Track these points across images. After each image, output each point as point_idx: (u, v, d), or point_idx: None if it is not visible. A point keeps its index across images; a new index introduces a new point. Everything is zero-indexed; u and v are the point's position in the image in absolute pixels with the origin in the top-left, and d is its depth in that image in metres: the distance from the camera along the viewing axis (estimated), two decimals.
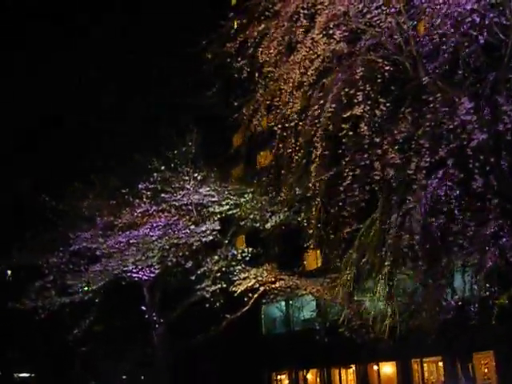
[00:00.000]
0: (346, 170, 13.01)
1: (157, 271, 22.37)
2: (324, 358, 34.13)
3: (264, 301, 26.18)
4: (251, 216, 21.60)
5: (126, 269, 22.17)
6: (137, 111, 26.58)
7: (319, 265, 29.30)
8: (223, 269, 21.12)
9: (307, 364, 36.35)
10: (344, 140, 12.90)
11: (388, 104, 12.15)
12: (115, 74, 26.88)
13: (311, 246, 16.14)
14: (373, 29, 13.16)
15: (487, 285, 15.83)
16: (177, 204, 21.73)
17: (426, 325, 22.29)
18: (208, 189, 21.22)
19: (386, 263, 16.51)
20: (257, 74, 14.49)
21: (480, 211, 13.83)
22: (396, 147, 11.78)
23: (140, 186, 21.87)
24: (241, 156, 23.10)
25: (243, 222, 21.72)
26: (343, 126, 12.64)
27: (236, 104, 15.38)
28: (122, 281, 23.45)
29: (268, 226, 21.31)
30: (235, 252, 21.53)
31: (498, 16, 12.39)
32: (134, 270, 22.72)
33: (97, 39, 29.00)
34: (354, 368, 35.32)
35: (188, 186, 21.30)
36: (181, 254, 21.58)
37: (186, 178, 21.18)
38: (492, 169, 11.49)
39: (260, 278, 22.97)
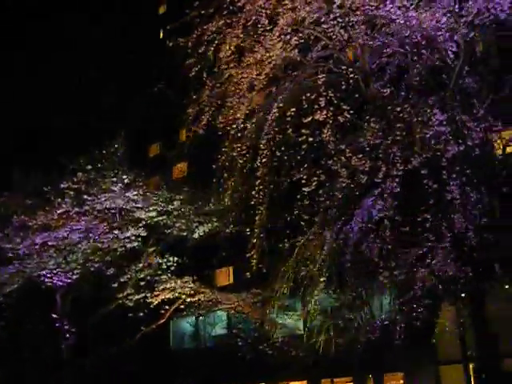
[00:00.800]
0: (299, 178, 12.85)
1: (74, 276, 21.18)
2: (234, 374, 33.74)
3: (181, 314, 25.54)
4: (177, 224, 21.03)
5: (41, 272, 20.87)
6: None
7: (231, 281, 29.14)
8: (148, 277, 20.38)
9: (216, 381, 35.75)
10: (303, 146, 12.73)
11: (351, 111, 12.14)
12: None
13: (253, 257, 15.65)
14: (327, 39, 13.21)
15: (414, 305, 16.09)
16: (100, 207, 20.77)
17: (346, 344, 22.58)
18: (135, 193, 20.42)
19: (322, 279, 16.52)
20: (205, 74, 14.22)
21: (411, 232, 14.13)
22: (361, 155, 11.76)
23: (62, 185, 20.75)
24: (172, 161, 22.51)
25: (169, 230, 21.07)
26: (303, 131, 12.51)
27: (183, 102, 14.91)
28: (33, 285, 22.05)
29: (195, 235, 20.85)
30: (160, 261, 20.86)
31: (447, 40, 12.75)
32: (49, 275, 21.47)
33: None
34: None
35: (114, 189, 20.42)
36: (102, 259, 20.61)
37: (113, 179, 20.28)
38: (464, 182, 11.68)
39: (180, 290, 22.43)
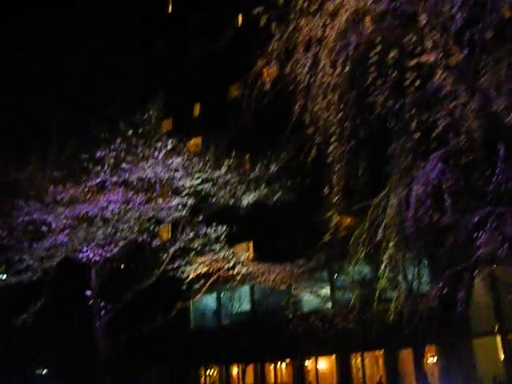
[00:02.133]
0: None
1: (115, 250, 19.96)
2: (258, 352, 32.91)
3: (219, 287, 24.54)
4: (222, 193, 19.87)
5: (77, 247, 19.59)
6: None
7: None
8: (198, 247, 19.28)
9: (238, 359, 34.93)
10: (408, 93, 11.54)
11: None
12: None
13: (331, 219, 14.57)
14: None
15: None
16: (142, 176, 19.49)
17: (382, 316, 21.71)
18: (178, 160, 19.13)
19: (390, 244, 15.66)
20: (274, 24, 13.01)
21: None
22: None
23: (99, 153, 19.38)
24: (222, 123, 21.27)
25: (215, 199, 19.88)
26: (407, 76, 11.32)
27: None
28: (69, 260, 20.80)
29: (243, 203, 19.75)
30: (209, 230, 19.74)
31: None
32: (85, 249, 20.24)
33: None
34: (289, 362, 34.32)
35: (156, 155, 19.12)
36: (146, 230, 19.42)
37: (156, 145, 18.94)
38: None
39: (216, 264, 21.46)
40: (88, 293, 22.21)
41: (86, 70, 20.39)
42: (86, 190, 19.77)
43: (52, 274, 20.32)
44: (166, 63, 37.20)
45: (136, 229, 19.24)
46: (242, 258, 20.22)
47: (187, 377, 36.83)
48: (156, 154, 18.97)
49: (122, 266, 22.31)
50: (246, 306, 33.96)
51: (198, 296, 24.27)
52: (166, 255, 20.60)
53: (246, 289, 32.96)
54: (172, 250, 20.08)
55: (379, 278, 17.99)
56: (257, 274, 21.71)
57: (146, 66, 32.69)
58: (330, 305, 30.61)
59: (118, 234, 19.29)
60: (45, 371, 35.11)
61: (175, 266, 20.09)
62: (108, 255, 20.38)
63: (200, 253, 20.89)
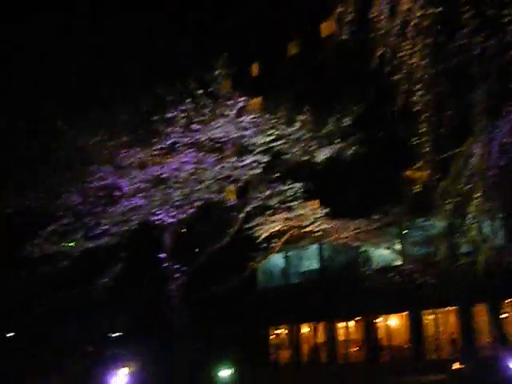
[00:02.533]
0: None
1: (190, 211, 19.84)
2: (328, 310, 32.75)
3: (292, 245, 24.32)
4: (295, 149, 19.35)
5: (153, 209, 19.52)
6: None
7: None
8: (275, 205, 18.98)
9: (307, 318, 34.89)
10: None
11: None
12: None
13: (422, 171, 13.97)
14: None
15: None
16: (213, 135, 19.14)
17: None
18: (251, 117, 18.65)
19: (476, 195, 14.93)
20: None
21: None
22: None
23: (169, 114, 19.05)
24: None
25: (289, 156, 19.41)
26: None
27: None
28: (142, 224, 20.78)
29: (319, 159, 19.24)
30: (284, 187, 19.37)
31: None
32: (159, 212, 20.16)
33: None
34: (358, 320, 34.08)
35: (227, 114, 18.69)
36: (221, 190, 19.18)
37: (229, 102, 18.48)
38: None
39: (290, 223, 21.12)
40: (162, 255, 22.28)
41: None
42: (157, 152, 19.56)
43: (128, 239, 20.37)
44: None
45: (211, 189, 19.01)
46: (318, 215, 19.79)
47: (258, 337, 37.06)
48: (227, 112, 18.53)
49: (194, 227, 22.19)
50: (314, 264, 33.73)
51: (271, 255, 24.11)
52: (240, 215, 20.40)
53: (314, 247, 32.68)
54: (248, 208, 19.86)
55: (462, 230, 17.32)
56: (331, 232, 21.32)
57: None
58: (400, 261, 30.07)
59: (194, 194, 19.10)
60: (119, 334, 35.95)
61: (249, 225, 19.86)
62: (182, 217, 20.27)
63: (274, 212, 20.61)
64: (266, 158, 18.64)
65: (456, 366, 21.04)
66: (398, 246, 23.86)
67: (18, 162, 19.15)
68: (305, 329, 35.89)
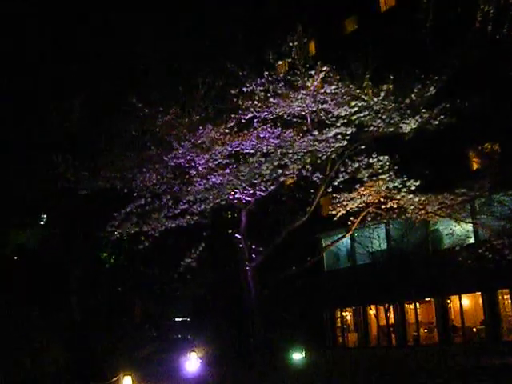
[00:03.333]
0: None
1: (271, 188, 19.14)
2: (397, 291, 31.77)
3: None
4: (378, 121, 18.39)
5: (238, 187, 18.85)
6: None
7: None
8: (365, 179, 18.18)
9: (375, 299, 34.03)
10: None
11: None
12: None
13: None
14: None
15: None
16: (293, 108, 18.34)
17: None
18: (333, 87, 17.76)
19: None
20: None
21: None
22: None
23: (246, 88, 18.32)
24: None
25: (373, 128, 18.47)
26: None
27: None
28: (218, 204, 20.17)
29: (407, 129, 18.28)
30: (370, 161, 18.50)
31: None
32: (237, 191, 19.53)
33: None
34: (431, 301, 33.11)
35: (309, 85, 17.83)
36: (303, 165, 18.42)
37: (310, 72, 17.61)
38: None
39: (373, 198, 20.26)
40: (238, 236, 21.68)
41: None
42: (236, 129, 18.92)
43: (209, 218, 19.83)
44: None
45: (297, 164, 18.25)
46: (409, 188, 18.88)
47: (325, 319, 36.52)
48: (308, 83, 17.71)
49: (269, 208, 21.53)
50: (382, 245, 32.83)
51: (347, 234, 23.33)
52: (320, 190, 19.64)
53: (381, 226, 31.80)
54: (335, 182, 19.06)
55: None
56: (415, 207, 20.35)
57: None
58: (472, 239, 28.96)
59: (278, 170, 18.40)
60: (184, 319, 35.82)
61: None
62: (260, 195, 19.60)
63: (356, 187, 19.83)
64: (350, 130, 17.74)
65: None
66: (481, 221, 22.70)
67: (95, 141, 18.77)
68: (372, 311, 35.07)
